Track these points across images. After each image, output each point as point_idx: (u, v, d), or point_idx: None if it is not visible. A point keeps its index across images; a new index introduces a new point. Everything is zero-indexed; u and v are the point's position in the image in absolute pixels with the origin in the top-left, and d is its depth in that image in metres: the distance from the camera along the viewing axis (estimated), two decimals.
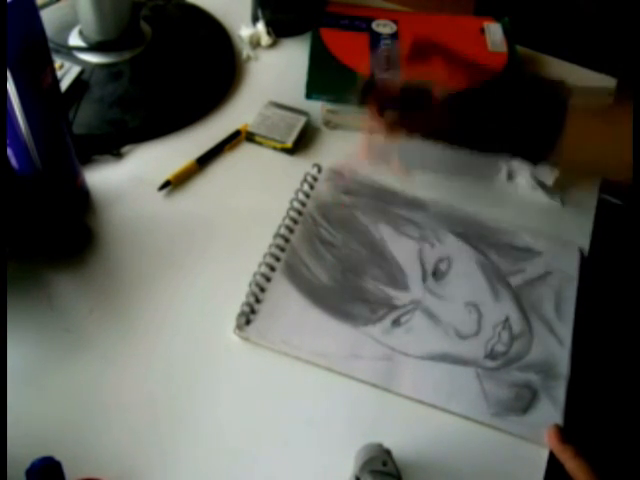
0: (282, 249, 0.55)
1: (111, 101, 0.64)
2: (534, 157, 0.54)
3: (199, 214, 0.58)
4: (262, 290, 0.52)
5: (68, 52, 0.67)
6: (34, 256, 0.53)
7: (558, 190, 0.62)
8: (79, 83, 0.64)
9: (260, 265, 0.53)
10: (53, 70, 0.48)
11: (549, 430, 0.46)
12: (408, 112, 0.51)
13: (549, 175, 0.62)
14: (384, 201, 0.60)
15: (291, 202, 0.58)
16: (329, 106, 0.65)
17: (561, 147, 0.50)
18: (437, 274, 0.55)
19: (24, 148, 0.49)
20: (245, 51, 0.73)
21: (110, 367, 0.48)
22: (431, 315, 0.52)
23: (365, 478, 0.40)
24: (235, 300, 0.51)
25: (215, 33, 0.74)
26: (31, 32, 0.44)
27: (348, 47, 0.71)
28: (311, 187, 0.60)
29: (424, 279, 0.54)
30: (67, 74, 0.64)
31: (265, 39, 0.74)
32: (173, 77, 0.68)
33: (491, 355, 0.51)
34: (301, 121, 0.65)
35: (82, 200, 0.57)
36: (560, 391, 0.49)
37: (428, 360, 0.50)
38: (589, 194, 0.63)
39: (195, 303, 0.52)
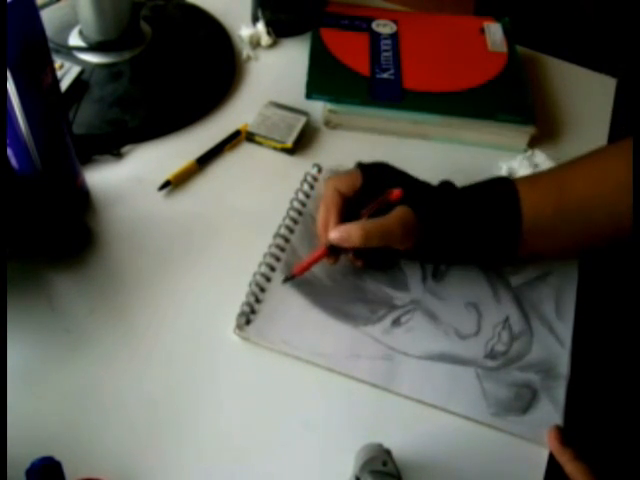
0: (282, 249, 0.55)
1: (111, 101, 0.64)
2: (497, 259, 0.55)
3: (199, 214, 0.58)
4: (262, 290, 0.52)
5: (68, 52, 0.67)
6: (34, 256, 0.53)
7: None
8: (79, 83, 0.64)
9: (260, 265, 0.53)
10: (53, 70, 0.48)
11: (549, 431, 0.46)
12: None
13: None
14: None
15: (291, 202, 0.58)
16: (330, 106, 0.65)
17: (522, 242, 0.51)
18: (437, 274, 0.55)
19: (24, 148, 0.49)
20: (245, 51, 0.73)
21: (110, 367, 0.48)
22: (431, 315, 0.52)
23: (365, 478, 0.40)
24: (235, 300, 0.51)
25: (215, 33, 0.74)
26: (31, 32, 0.44)
27: (348, 47, 0.71)
28: (311, 187, 0.60)
29: (424, 279, 0.54)
30: (67, 74, 0.64)
31: (265, 39, 0.74)
32: (173, 77, 0.68)
33: (491, 355, 0.51)
34: (301, 121, 0.65)
35: (82, 200, 0.57)
36: (560, 391, 0.49)
37: (428, 360, 0.50)
38: None
39: (195, 303, 0.52)
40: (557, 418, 0.48)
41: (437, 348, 0.51)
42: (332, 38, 0.72)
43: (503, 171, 0.63)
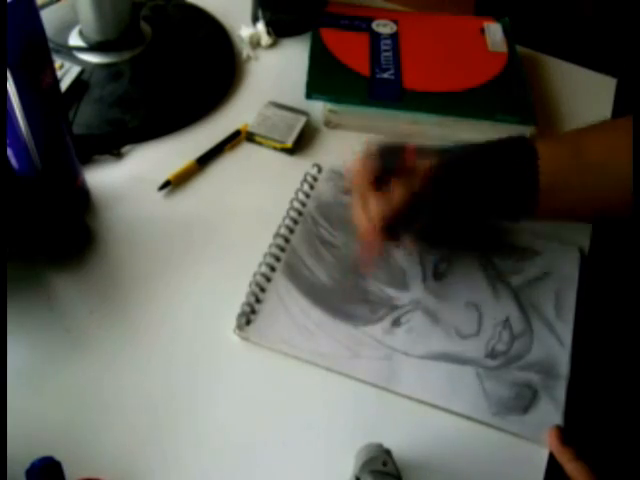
0: (282, 249, 0.55)
1: (111, 101, 0.64)
2: (514, 216, 0.54)
3: (199, 214, 0.58)
4: (262, 290, 0.52)
5: (68, 52, 0.67)
6: (34, 256, 0.53)
7: None
8: (79, 83, 0.64)
9: (260, 265, 0.53)
10: (53, 70, 0.48)
11: (550, 431, 0.46)
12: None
13: None
14: None
15: (291, 202, 0.58)
16: (330, 106, 0.65)
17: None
18: (437, 274, 0.55)
19: (24, 148, 0.49)
20: (245, 51, 0.73)
21: (110, 367, 0.48)
22: (431, 315, 0.52)
23: (365, 478, 0.40)
24: (235, 300, 0.51)
25: (215, 33, 0.74)
26: (31, 32, 0.44)
27: (348, 47, 0.71)
28: (311, 187, 0.60)
29: (424, 279, 0.54)
30: (67, 74, 0.64)
31: (265, 39, 0.74)
32: (173, 77, 0.68)
33: (491, 355, 0.51)
34: (301, 121, 0.65)
35: (82, 200, 0.57)
36: (560, 391, 0.49)
37: (428, 360, 0.50)
38: None
39: (195, 303, 0.52)
40: (557, 418, 0.48)
41: (437, 348, 0.51)
42: (332, 38, 0.72)
43: None
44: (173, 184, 0.59)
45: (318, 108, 0.66)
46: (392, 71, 0.68)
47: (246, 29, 0.74)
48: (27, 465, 0.39)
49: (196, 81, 0.68)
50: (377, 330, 0.51)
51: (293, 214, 0.57)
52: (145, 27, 0.71)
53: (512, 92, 0.68)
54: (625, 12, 1.07)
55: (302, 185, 0.60)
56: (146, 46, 0.69)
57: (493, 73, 0.69)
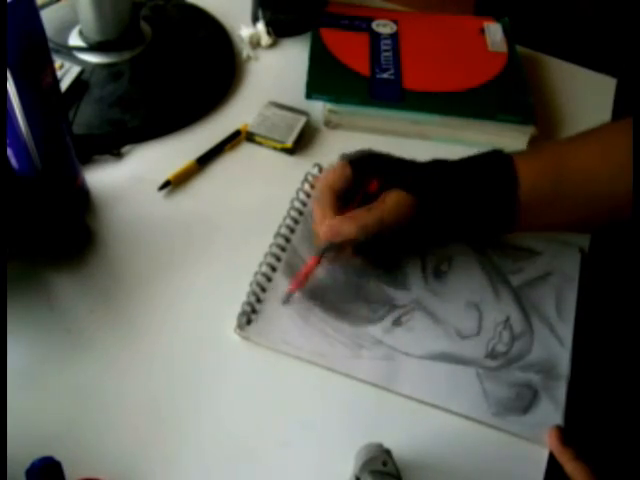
0: (283, 249, 0.55)
1: (111, 101, 0.64)
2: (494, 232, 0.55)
3: (199, 214, 0.58)
4: (263, 290, 0.52)
5: (68, 52, 0.67)
6: (34, 256, 0.53)
7: None
8: (79, 83, 0.64)
9: (261, 265, 0.53)
10: (53, 70, 0.48)
11: (550, 431, 0.46)
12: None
13: None
14: None
15: (292, 202, 0.58)
16: (330, 106, 0.65)
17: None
18: (438, 274, 0.55)
19: (24, 148, 0.49)
20: (245, 51, 0.73)
21: (110, 367, 0.48)
22: (432, 315, 0.52)
23: (365, 478, 0.40)
24: (236, 300, 0.51)
25: (215, 33, 0.74)
26: (31, 32, 0.44)
27: (348, 47, 0.71)
28: (312, 187, 0.60)
29: (425, 279, 0.54)
30: (67, 74, 0.64)
31: (265, 39, 0.74)
32: (173, 77, 0.68)
33: (492, 355, 0.51)
34: (301, 121, 0.65)
35: (82, 200, 0.57)
36: (561, 391, 0.49)
37: (429, 360, 0.50)
38: None
39: (196, 303, 0.52)
40: (558, 418, 0.48)
41: (438, 348, 0.51)
42: (332, 38, 0.72)
43: None
44: (173, 184, 0.59)
45: (318, 108, 0.66)
46: (392, 71, 0.68)
47: (246, 29, 0.74)
48: (27, 465, 0.39)
49: (196, 81, 0.68)
50: (377, 330, 0.51)
51: (294, 214, 0.57)
52: (145, 27, 0.71)
53: (512, 92, 0.68)
54: (625, 12, 1.07)
55: (303, 185, 0.60)
56: (146, 46, 0.69)
57: (493, 73, 0.69)
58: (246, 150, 0.64)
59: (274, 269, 0.54)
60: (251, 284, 0.52)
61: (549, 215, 0.52)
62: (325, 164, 0.61)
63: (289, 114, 0.65)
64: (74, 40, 0.68)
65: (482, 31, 0.75)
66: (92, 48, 0.67)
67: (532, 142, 0.65)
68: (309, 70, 0.68)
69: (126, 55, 0.67)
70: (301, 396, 0.48)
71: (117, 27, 0.66)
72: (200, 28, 0.74)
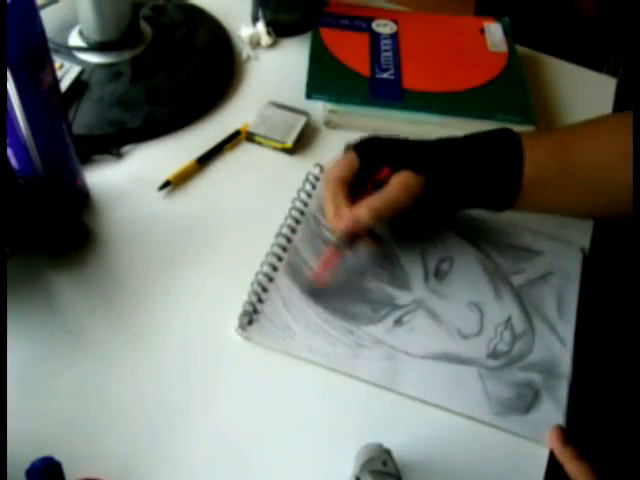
0: (284, 249, 0.55)
1: (111, 101, 0.63)
2: (496, 205, 0.55)
3: (199, 214, 0.58)
4: (264, 290, 0.52)
5: (68, 52, 0.67)
6: (34, 256, 0.53)
7: None
8: (79, 83, 0.64)
9: (262, 264, 0.53)
10: (53, 70, 0.48)
11: (551, 431, 0.46)
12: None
13: None
14: None
15: (293, 202, 0.58)
16: (330, 106, 0.65)
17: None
18: (439, 273, 0.55)
19: (24, 148, 0.49)
20: (245, 51, 0.73)
21: (111, 367, 0.48)
22: (433, 315, 0.52)
23: (365, 478, 0.39)
24: (237, 300, 0.51)
25: (215, 33, 0.74)
26: (31, 32, 0.44)
27: (348, 47, 0.71)
28: (313, 187, 0.60)
29: (426, 278, 0.54)
30: (67, 74, 0.64)
31: (265, 39, 0.74)
32: (173, 77, 0.68)
33: (493, 355, 0.51)
34: (301, 121, 0.65)
35: (82, 200, 0.57)
36: (562, 391, 0.49)
37: (430, 360, 0.50)
38: None
39: (197, 303, 0.52)
40: (559, 418, 0.48)
41: (439, 348, 0.51)
42: (332, 38, 0.72)
43: None
44: (173, 184, 0.59)
45: (318, 108, 0.66)
46: (392, 71, 0.68)
47: (246, 29, 0.74)
48: (27, 465, 0.39)
49: (196, 81, 0.68)
50: (379, 330, 0.51)
51: (295, 214, 0.57)
52: (145, 27, 0.71)
53: (512, 92, 0.68)
54: (625, 12, 1.07)
55: (304, 185, 0.60)
56: (146, 46, 0.69)
57: (493, 73, 0.69)
58: (246, 150, 0.64)
59: (275, 269, 0.54)
60: (252, 284, 0.52)
61: (551, 195, 0.52)
62: (325, 164, 0.61)
63: (289, 114, 0.65)
64: (74, 40, 0.68)
65: (482, 31, 0.75)
66: (92, 48, 0.67)
67: None
68: (309, 70, 0.68)
69: (126, 55, 0.67)
70: (302, 396, 0.48)
71: (117, 27, 0.66)
72: (200, 28, 0.74)
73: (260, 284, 0.52)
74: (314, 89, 0.66)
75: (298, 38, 0.76)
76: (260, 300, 0.51)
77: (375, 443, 0.43)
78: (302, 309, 0.51)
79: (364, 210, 0.49)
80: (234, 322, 0.50)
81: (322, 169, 0.61)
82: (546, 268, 0.56)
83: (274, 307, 0.51)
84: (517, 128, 0.64)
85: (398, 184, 0.50)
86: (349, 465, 0.43)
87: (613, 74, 0.76)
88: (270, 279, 0.53)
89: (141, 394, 0.47)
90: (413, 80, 0.68)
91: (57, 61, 0.64)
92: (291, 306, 0.52)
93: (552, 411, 0.48)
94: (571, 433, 0.46)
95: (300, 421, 0.47)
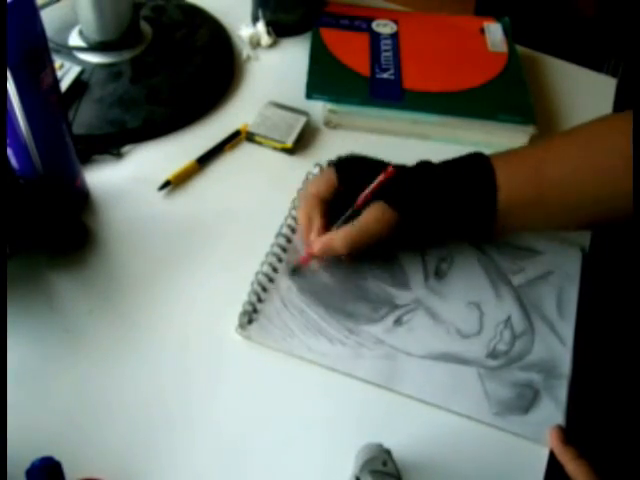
0: (284, 249, 0.55)
1: (111, 101, 0.63)
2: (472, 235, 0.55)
3: (199, 214, 0.58)
4: (264, 290, 0.52)
5: (68, 52, 0.67)
6: (34, 256, 0.53)
7: None
8: (79, 83, 0.64)
9: (262, 264, 0.53)
10: (53, 70, 0.48)
11: (551, 431, 0.46)
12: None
13: None
14: None
15: (293, 202, 0.58)
16: (330, 106, 0.65)
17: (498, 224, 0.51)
18: (439, 273, 0.55)
19: (24, 148, 0.49)
20: (245, 51, 0.73)
21: (111, 367, 0.48)
22: (433, 314, 0.52)
23: (365, 478, 0.39)
24: (237, 299, 0.51)
25: (215, 33, 0.74)
26: (31, 32, 0.44)
27: (348, 47, 0.71)
28: None
29: (426, 278, 0.54)
30: (67, 74, 0.64)
31: (265, 39, 0.74)
32: (173, 77, 0.68)
33: (493, 354, 0.51)
34: (301, 121, 0.65)
35: (82, 200, 0.57)
36: (562, 390, 0.49)
37: (430, 359, 0.50)
38: None
39: (196, 302, 0.52)
40: (559, 417, 0.48)
41: (439, 347, 0.51)
42: (332, 38, 0.72)
43: None
44: (173, 184, 0.59)
45: (318, 108, 0.66)
46: (392, 71, 0.68)
47: (246, 29, 0.74)
48: (27, 465, 0.39)
49: (196, 81, 0.68)
50: (379, 329, 0.51)
51: (295, 214, 0.57)
52: (145, 27, 0.71)
53: (512, 92, 0.68)
54: (625, 12, 1.07)
55: (304, 185, 0.60)
56: (146, 46, 0.69)
57: (493, 73, 0.69)
58: (246, 150, 0.64)
59: (275, 269, 0.54)
60: (252, 283, 0.52)
61: (531, 216, 0.52)
62: (325, 164, 0.61)
63: (289, 114, 0.65)
64: (74, 40, 0.68)
65: (482, 31, 0.75)
66: (92, 48, 0.67)
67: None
68: (309, 70, 0.68)
69: (126, 55, 0.67)
70: (302, 396, 0.48)
71: (117, 27, 0.66)
72: (200, 28, 0.74)
73: (260, 284, 0.52)
74: (314, 89, 0.66)
75: (298, 38, 0.76)
76: (260, 300, 0.52)
77: (375, 443, 0.43)
78: (302, 309, 0.51)
79: (339, 241, 0.50)
80: (234, 322, 0.50)
81: (322, 169, 0.61)
82: (546, 268, 0.56)
83: (274, 307, 0.51)
84: (517, 128, 0.65)
85: (371, 216, 0.50)
86: (349, 465, 0.43)
87: (613, 74, 0.76)
88: (270, 279, 0.53)
89: (141, 394, 0.47)
90: (413, 80, 0.68)
91: (57, 61, 0.64)
92: (291, 306, 0.52)
93: (552, 411, 0.48)
94: (571, 433, 0.46)
95: (300, 421, 0.47)
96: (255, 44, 0.74)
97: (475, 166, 0.51)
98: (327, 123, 0.66)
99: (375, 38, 0.73)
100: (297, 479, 0.44)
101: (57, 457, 0.40)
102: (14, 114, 0.46)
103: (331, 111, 0.65)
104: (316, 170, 0.61)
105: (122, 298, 0.52)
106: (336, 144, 0.65)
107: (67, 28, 0.69)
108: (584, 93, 0.74)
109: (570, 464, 0.44)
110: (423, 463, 0.45)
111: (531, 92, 0.68)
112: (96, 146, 0.61)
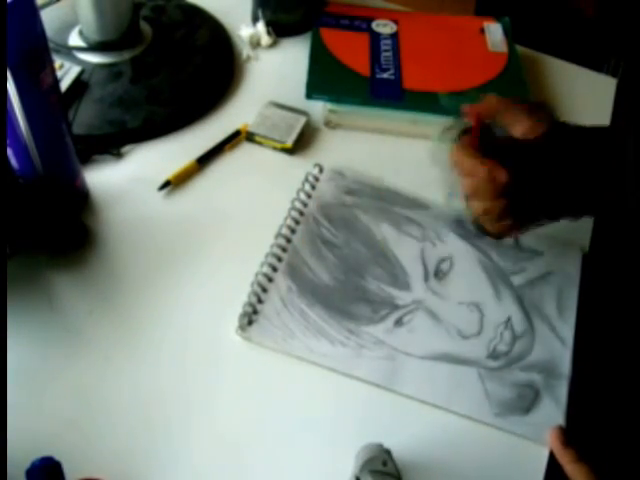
0: (284, 249, 0.55)
1: (111, 101, 0.63)
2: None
3: (199, 214, 0.58)
4: (264, 290, 0.52)
5: (68, 52, 0.67)
6: (34, 256, 0.53)
7: None
8: (79, 83, 0.64)
9: (262, 265, 0.53)
10: (53, 70, 0.48)
11: (552, 432, 0.46)
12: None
13: None
14: (386, 201, 0.60)
15: (293, 202, 0.58)
16: (330, 106, 0.65)
17: None
18: (439, 274, 0.55)
19: (24, 148, 0.49)
20: (245, 51, 0.73)
21: (110, 367, 0.48)
22: (433, 315, 0.52)
23: (365, 478, 0.40)
24: (237, 300, 0.51)
25: (215, 33, 0.74)
26: (31, 32, 0.44)
27: (348, 47, 0.71)
28: (313, 187, 0.60)
29: (426, 279, 0.54)
30: (67, 74, 0.64)
31: (265, 39, 0.74)
32: (173, 77, 0.68)
33: (493, 355, 0.51)
34: (301, 121, 0.64)
35: (82, 200, 0.57)
36: (562, 391, 0.49)
37: (430, 360, 0.50)
38: None
39: (196, 303, 0.52)
40: (559, 418, 0.48)
41: (439, 348, 0.51)
42: (332, 38, 0.72)
43: None
44: (173, 184, 0.59)
45: (318, 108, 0.66)
46: (392, 71, 0.68)
47: (246, 29, 0.74)
48: (27, 465, 0.39)
49: (196, 81, 0.68)
50: (379, 330, 0.51)
51: (295, 214, 0.57)
52: (145, 27, 0.71)
53: (512, 92, 0.68)
54: (625, 12, 1.07)
55: (303, 185, 0.60)
56: (146, 46, 0.69)
57: (493, 73, 0.69)
58: (246, 150, 0.64)
59: (275, 269, 0.53)
60: (252, 284, 0.52)
61: None
62: (325, 164, 0.61)
63: (289, 114, 0.65)
64: (74, 40, 0.68)
65: (482, 31, 0.75)
66: (92, 48, 0.67)
67: None
68: (309, 70, 0.68)
69: (126, 55, 0.67)
70: (302, 396, 0.48)
71: (117, 27, 0.66)
72: (200, 28, 0.74)
73: (260, 284, 0.52)
74: (314, 89, 0.66)
75: (298, 38, 0.76)
76: (260, 301, 0.52)
77: (375, 443, 0.43)
78: (302, 309, 0.51)
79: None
80: (234, 323, 0.50)
81: (322, 169, 0.61)
82: (546, 268, 0.56)
83: (274, 308, 0.51)
84: None
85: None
86: (349, 465, 0.43)
87: (613, 74, 0.76)
88: (270, 279, 0.53)
89: (141, 394, 0.47)
90: (413, 80, 0.68)
91: (57, 61, 0.64)
92: (291, 306, 0.52)
93: (552, 411, 0.48)
94: (571, 433, 0.46)
95: (300, 421, 0.47)
96: (255, 44, 0.74)
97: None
98: (327, 123, 0.66)
99: (375, 38, 0.73)
100: (297, 479, 0.44)
101: (57, 457, 0.40)
102: (14, 114, 0.46)
103: (331, 111, 0.65)
104: (316, 170, 0.61)
105: (122, 298, 0.52)
106: (336, 144, 0.65)
107: (67, 28, 0.69)
108: (584, 93, 0.74)
109: (570, 466, 0.44)
110: (423, 463, 0.45)
111: (531, 92, 0.68)
112: (96, 146, 0.61)
